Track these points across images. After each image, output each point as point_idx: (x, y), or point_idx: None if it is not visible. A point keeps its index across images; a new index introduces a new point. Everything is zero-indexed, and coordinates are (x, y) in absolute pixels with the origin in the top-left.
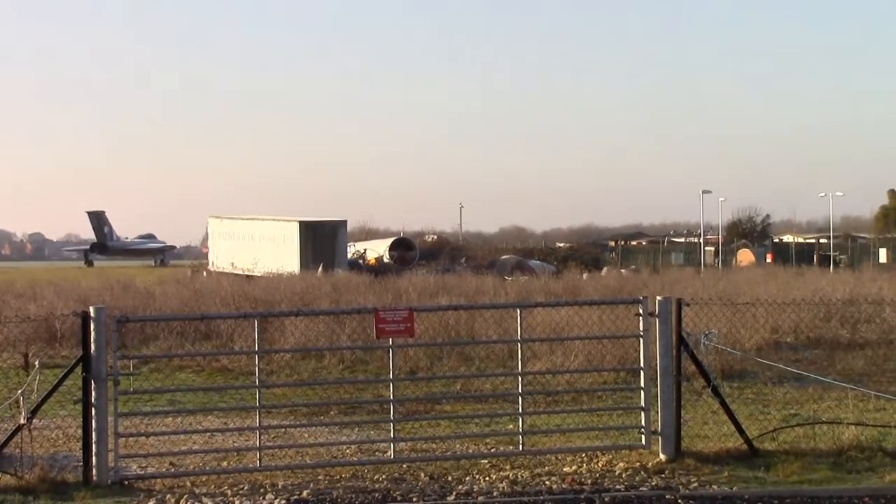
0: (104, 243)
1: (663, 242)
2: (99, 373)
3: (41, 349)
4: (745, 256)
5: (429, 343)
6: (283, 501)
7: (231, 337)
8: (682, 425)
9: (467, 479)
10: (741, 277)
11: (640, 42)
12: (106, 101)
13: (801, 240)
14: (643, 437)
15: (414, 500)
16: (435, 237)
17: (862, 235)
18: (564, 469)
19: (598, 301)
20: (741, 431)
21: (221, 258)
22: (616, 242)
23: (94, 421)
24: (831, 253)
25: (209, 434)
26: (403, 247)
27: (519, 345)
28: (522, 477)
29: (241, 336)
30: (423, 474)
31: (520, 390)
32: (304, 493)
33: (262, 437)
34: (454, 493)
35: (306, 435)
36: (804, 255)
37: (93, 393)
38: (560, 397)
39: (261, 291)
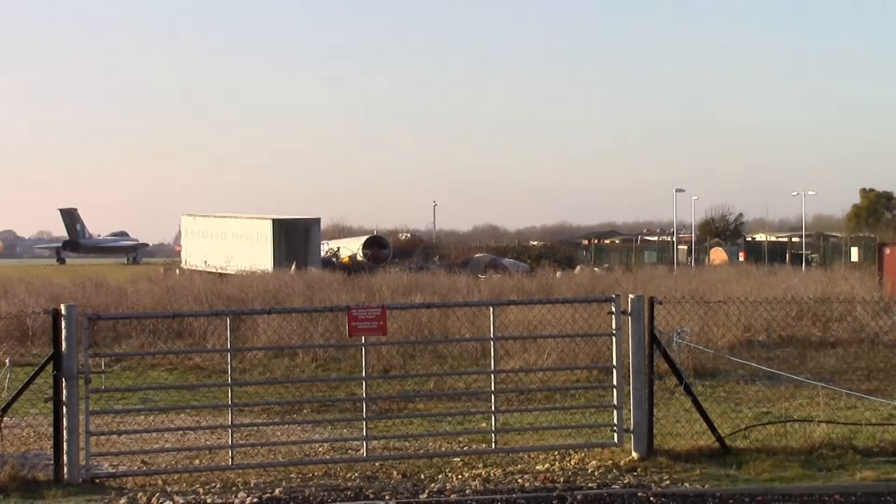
0: (76, 241)
1: (636, 241)
2: (70, 371)
3: (12, 347)
4: (718, 255)
5: (402, 341)
6: (256, 499)
7: (204, 335)
8: (655, 423)
9: (440, 477)
10: (714, 276)
11: (615, 43)
12: (78, 98)
13: (773, 238)
14: (615, 435)
15: (386, 497)
16: (408, 235)
17: (834, 234)
18: (537, 467)
19: (571, 299)
20: (713, 429)
21: (194, 256)
22: (589, 241)
23: (65, 419)
24: (803, 252)
25: (181, 432)
26: (377, 245)
27: (492, 343)
28: (495, 475)
29: (213, 334)
30: (395, 472)
31: (493, 388)
32: (277, 492)
33: (234, 436)
34: (427, 491)
35: (279, 433)
36: (776, 253)
37: (64, 391)
38: (533, 395)
39: (234, 289)
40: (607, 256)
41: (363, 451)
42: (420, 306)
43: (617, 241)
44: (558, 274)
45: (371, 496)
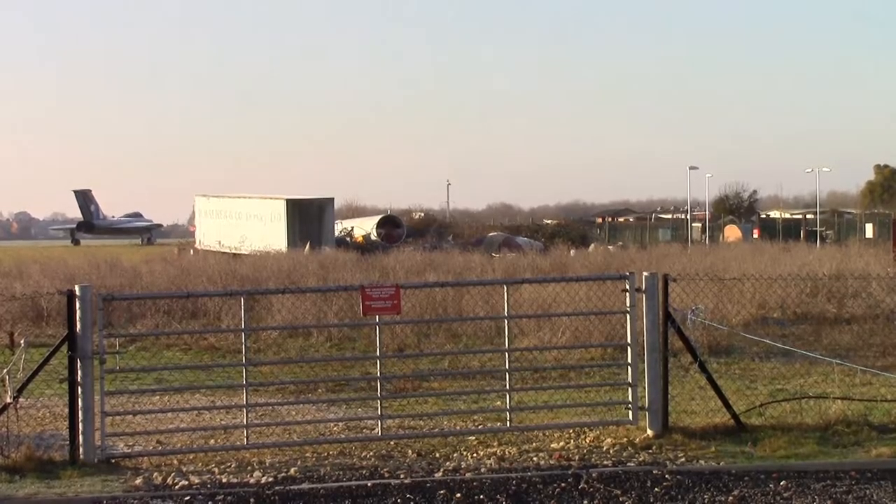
0: (91, 222)
1: (650, 219)
2: (85, 351)
3: (27, 328)
4: (732, 232)
5: (416, 320)
6: (271, 479)
7: (218, 315)
8: (670, 401)
9: (455, 455)
10: (728, 253)
11: (628, 21)
12: (92, 80)
13: (787, 215)
14: (630, 412)
15: (401, 476)
16: (422, 214)
17: (848, 211)
18: (552, 445)
19: (586, 277)
20: (728, 406)
21: (208, 236)
22: (603, 219)
23: (80, 399)
24: (818, 228)
25: (196, 412)
26: (390, 224)
27: (506, 321)
28: (510, 453)
29: (228, 314)
30: (410, 451)
31: (507, 367)
32: (292, 471)
33: (249, 415)
34: (442, 469)
35: (294, 412)
36: (791, 230)
37: (79, 371)
38: (547, 374)
39: (248, 269)
40: (621, 234)
41: (378, 431)
42: (434, 285)
43: (631, 219)
44: (572, 252)
45: (386, 475)
